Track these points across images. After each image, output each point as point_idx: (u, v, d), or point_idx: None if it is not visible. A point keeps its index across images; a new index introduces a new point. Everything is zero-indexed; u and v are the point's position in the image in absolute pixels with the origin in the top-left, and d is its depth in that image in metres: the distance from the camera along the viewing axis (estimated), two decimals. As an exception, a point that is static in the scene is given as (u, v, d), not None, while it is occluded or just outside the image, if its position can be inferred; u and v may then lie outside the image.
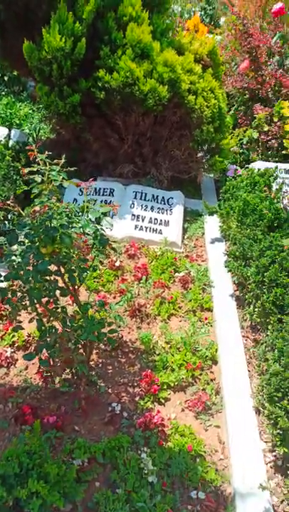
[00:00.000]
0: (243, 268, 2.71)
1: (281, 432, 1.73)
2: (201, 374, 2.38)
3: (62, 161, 1.93)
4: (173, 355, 2.44)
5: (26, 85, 5.55)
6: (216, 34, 6.09)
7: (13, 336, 2.47)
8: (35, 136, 4.33)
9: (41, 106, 4.87)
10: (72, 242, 1.59)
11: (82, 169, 4.12)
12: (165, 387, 2.28)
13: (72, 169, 1.97)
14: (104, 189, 3.80)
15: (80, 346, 1.91)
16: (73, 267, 1.63)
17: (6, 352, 2.37)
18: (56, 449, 1.89)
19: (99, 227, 1.84)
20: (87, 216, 1.82)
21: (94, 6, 2.97)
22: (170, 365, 2.38)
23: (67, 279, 1.78)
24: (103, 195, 3.78)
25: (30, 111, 5.15)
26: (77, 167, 4.06)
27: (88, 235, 1.80)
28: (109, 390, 2.26)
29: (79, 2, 2.96)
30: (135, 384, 2.29)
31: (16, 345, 2.45)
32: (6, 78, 5.61)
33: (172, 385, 2.29)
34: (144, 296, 2.92)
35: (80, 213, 1.93)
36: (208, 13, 9.07)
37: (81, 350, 2.00)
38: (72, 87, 3.20)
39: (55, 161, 1.93)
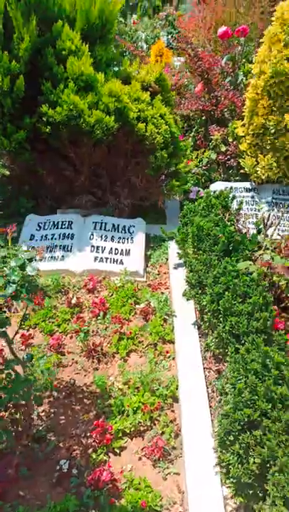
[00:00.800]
0: (200, 296, 2.60)
1: (234, 481, 1.58)
2: (160, 415, 2.23)
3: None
4: (131, 397, 2.29)
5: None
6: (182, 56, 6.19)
7: None
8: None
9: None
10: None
11: (40, 203, 4.04)
12: (120, 434, 2.13)
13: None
14: (62, 222, 3.70)
15: (10, 406, 1.76)
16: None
17: None
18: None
19: (23, 273, 1.72)
20: (11, 265, 1.70)
21: (29, 44, 2.95)
22: (127, 409, 2.23)
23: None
24: (62, 228, 3.68)
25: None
26: (36, 201, 4.05)
27: (13, 284, 1.67)
28: (61, 444, 2.09)
29: (14, 40, 2.94)
30: (88, 434, 2.13)
31: None
32: None
33: (128, 431, 2.13)
34: (102, 333, 2.79)
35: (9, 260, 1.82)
36: (175, 36, 9.31)
37: (12, 411, 1.84)
38: (16, 124, 3.15)
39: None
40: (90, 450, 2.06)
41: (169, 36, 9.53)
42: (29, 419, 2.06)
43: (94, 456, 2.02)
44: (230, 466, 1.58)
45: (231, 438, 1.63)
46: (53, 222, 3.70)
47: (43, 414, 2.23)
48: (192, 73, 4.97)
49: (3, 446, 1.94)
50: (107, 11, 3.32)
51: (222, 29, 3.88)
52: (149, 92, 3.57)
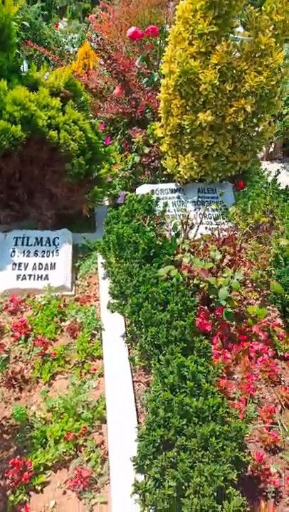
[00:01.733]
0: (123, 307, 2.50)
1: (152, 509, 1.48)
2: (86, 440, 2.10)
3: None
4: (54, 426, 2.14)
5: None
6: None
7: None
8: None
9: None
10: None
11: None
12: (42, 469, 1.97)
13: None
14: (-19, 240, 3.46)
15: None
16: None
17: None
18: None
19: None
20: None
21: None
22: (48, 440, 2.07)
23: None
24: (-19, 247, 3.43)
25: None
26: None
27: None
28: (-24, 490, 1.90)
29: None
30: (6, 474, 1.95)
31: None
32: None
33: (50, 464, 1.99)
34: (24, 358, 2.60)
35: None
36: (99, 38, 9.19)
37: None
38: None
39: None
40: (9, 491, 1.88)
41: (98, 38, 9.43)
42: None
43: (12, 498, 1.85)
44: (146, 493, 1.48)
45: (147, 462, 1.53)
46: (-29, 241, 3.45)
47: None
48: (110, 76, 4.88)
49: None
50: (2, 15, 3.12)
51: (131, 30, 3.82)
52: (59, 98, 3.42)
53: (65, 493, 1.91)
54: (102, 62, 5.81)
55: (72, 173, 3.43)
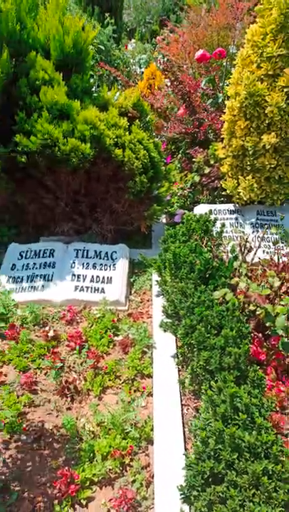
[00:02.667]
0: (176, 328, 2.49)
1: None
2: (132, 460, 2.10)
3: None
4: (102, 441, 2.16)
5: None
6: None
7: None
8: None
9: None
10: None
11: (23, 231, 4.00)
12: (88, 483, 1.99)
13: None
14: (44, 250, 3.63)
15: None
16: None
17: None
18: None
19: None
20: None
21: (1, 75, 2.94)
22: (96, 455, 2.10)
23: None
24: (43, 256, 3.61)
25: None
26: (18, 229, 4.00)
27: None
28: (25, 494, 1.96)
29: (-14, 72, 2.95)
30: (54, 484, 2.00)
31: None
32: None
33: (97, 480, 2.00)
34: (78, 368, 2.67)
35: None
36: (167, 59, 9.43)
37: None
38: (-10, 154, 3.12)
39: None
40: (56, 501, 1.92)
41: (165, 59, 9.68)
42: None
43: (58, 508, 1.89)
44: (193, 526, 1.45)
45: (195, 493, 1.50)
46: (35, 251, 3.63)
47: (10, 460, 2.11)
48: (175, 96, 4.98)
49: None
50: (81, 40, 3.32)
51: (199, 53, 3.88)
52: (126, 118, 3.54)
53: (108, 511, 1.91)
54: (168, 83, 5.95)
55: (134, 190, 3.52)
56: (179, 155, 4.78)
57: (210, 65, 4.34)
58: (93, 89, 3.78)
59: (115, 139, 3.38)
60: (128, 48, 11.90)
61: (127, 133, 3.47)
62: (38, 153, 3.15)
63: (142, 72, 8.57)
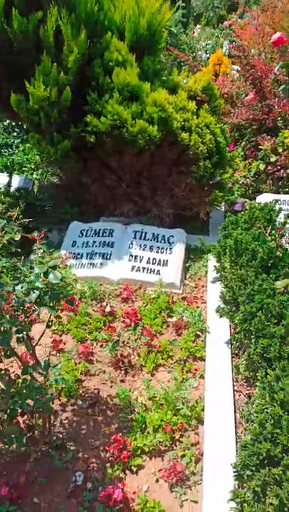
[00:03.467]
0: (234, 314, 2.48)
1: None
2: (182, 436, 2.14)
3: (15, 213, 1.88)
4: (153, 414, 2.23)
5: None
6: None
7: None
8: (41, 180, 4.43)
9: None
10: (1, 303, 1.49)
11: (84, 210, 4.13)
12: (139, 452, 2.07)
13: (26, 220, 1.91)
14: (104, 230, 3.74)
15: (27, 413, 1.77)
16: (5, 328, 1.52)
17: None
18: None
19: (54, 280, 1.72)
20: (35, 272, 1.73)
21: (77, 56, 3.02)
22: (148, 426, 2.17)
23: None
24: (103, 235, 3.71)
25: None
26: (80, 208, 4.14)
27: (36, 290, 1.70)
28: (80, 455, 2.08)
29: (64, 52, 3.04)
30: (107, 448, 2.10)
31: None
32: (25, 126, 5.89)
33: (147, 450, 2.07)
34: (132, 344, 2.75)
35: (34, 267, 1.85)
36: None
37: (29, 416, 1.86)
38: (62, 133, 3.24)
39: (9, 213, 1.88)
40: (108, 464, 2.02)
41: (231, 45, 9.41)
42: (50, 426, 2.07)
43: (110, 471, 1.98)
44: (244, 504, 1.46)
45: (248, 473, 1.51)
46: (95, 229, 3.75)
47: (66, 422, 2.24)
48: (245, 81, 4.84)
49: (19, 451, 1.97)
50: (156, 22, 3.32)
51: (275, 35, 3.73)
52: (195, 102, 3.51)
53: (157, 481, 1.98)
54: (237, 68, 5.79)
55: (196, 175, 3.50)
56: (243, 142, 4.66)
57: (285, 50, 4.16)
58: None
59: (182, 123, 3.37)
60: (194, 34, 11.66)
61: (195, 117, 3.44)
62: (106, 133, 3.22)
63: (208, 58, 8.40)
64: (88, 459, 2.05)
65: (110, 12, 3.34)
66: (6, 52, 3.01)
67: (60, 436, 2.13)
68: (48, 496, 1.90)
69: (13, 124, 5.89)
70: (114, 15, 3.37)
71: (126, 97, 3.24)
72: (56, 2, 2.95)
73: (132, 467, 2.01)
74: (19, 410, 1.67)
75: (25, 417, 1.85)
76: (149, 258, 3.50)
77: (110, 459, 2.04)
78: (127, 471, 2.01)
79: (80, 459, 2.05)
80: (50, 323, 1.83)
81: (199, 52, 10.17)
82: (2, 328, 1.48)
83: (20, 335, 1.59)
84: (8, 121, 5.91)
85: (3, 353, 1.62)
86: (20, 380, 1.68)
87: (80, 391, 2.40)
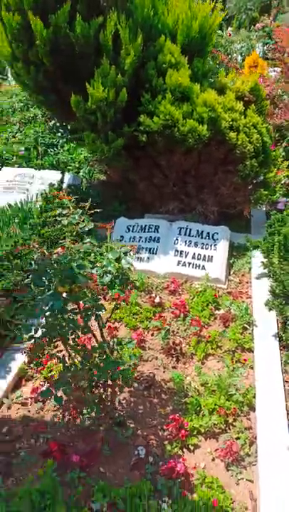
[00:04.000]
0: (284, 307, 2.56)
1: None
2: (235, 420, 2.24)
3: (88, 204, 2.04)
4: (207, 399, 2.34)
5: (87, 132, 5.99)
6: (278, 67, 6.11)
7: (50, 371, 2.56)
8: (88, 178, 4.62)
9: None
10: (87, 281, 1.64)
11: (131, 207, 4.28)
12: (195, 432, 2.18)
13: (97, 210, 2.07)
14: (149, 226, 3.88)
15: (100, 385, 1.92)
16: (88, 305, 1.67)
17: (42, 386, 2.46)
18: (78, 489, 1.88)
19: (117, 266, 1.87)
20: (108, 257, 1.88)
21: (134, 58, 3.18)
22: (202, 409, 2.28)
23: (84, 317, 1.83)
24: (148, 231, 3.85)
25: (90, 155, 5.51)
26: (127, 205, 4.30)
27: (109, 274, 1.84)
28: (139, 432, 2.21)
29: (121, 55, 3.20)
30: (164, 427, 2.22)
31: (53, 379, 2.52)
32: (69, 126, 6.12)
33: (203, 431, 2.18)
34: (181, 333, 2.87)
35: (106, 253, 2.00)
36: (272, 47, 9.17)
37: (101, 390, 2.01)
38: (116, 132, 3.40)
39: (81, 204, 2.04)
40: (166, 442, 2.15)
41: (265, 47, 9.41)
42: (112, 404, 2.21)
43: (168, 448, 2.11)
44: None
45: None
46: (141, 225, 3.89)
47: (124, 401, 2.38)
48: (287, 83, 4.88)
49: (89, 422, 2.13)
50: (207, 25, 3.44)
51: None
52: (242, 102, 3.60)
53: (213, 459, 2.08)
54: (278, 70, 5.82)
55: (242, 174, 3.59)
56: (284, 143, 4.71)
57: None
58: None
59: (231, 122, 3.47)
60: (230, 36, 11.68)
61: (242, 117, 3.54)
62: (158, 133, 3.36)
63: (242, 60, 8.43)
64: (147, 436, 2.18)
65: (163, 16, 3.48)
66: (68, 56, 3.20)
67: (121, 414, 2.27)
68: (112, 466, 2.04)
69: (58, 124, 6.13)
70: (168, 18, 3.50)
71: (177, 97, 3.37)
72: (115, 7, 3.11)
73: (189, 446, 2.13)
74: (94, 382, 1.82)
75: (97, 390, 2.00)
76: (194, 253, 3.61)
77: (168, 437, 2.16)
78: (184, 450, 2.13)
79: (139, 435, 2.18)
80: (118, 306, 1.97)
81: (234, 55, 10.21)
82: (86, 306, 1.63)
83: (99, 312, 1.74)
84: (52, 122, 6.16)
85: (80, 330, 1.77)
86: (96, 354, 1.83)
87: (136, 374, 2.53)
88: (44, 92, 3.46)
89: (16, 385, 2.52)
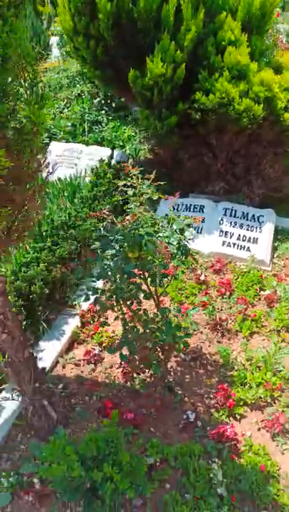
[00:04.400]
0: None
1: None
2: (281, 396, 2.30)
3: (153, 176, 2.10)
4: (252, 373, 2.41)
5: (131, 110, 6.00)
6: None
7: (101, 336, 2.68)
8: (135, 155, 4.66)
9: (142, 128, 5.25)
10: (156, 248, 1.71)
11: (175, 186, 4.30)
12: (241, 403, 2.26)
13: (162, 183, 2.12)
14: (194, 205, 3.91)
15: (158, 348, 2.02)
16: (155, 272, 1.75)
17: (94, 350, 2.59)
18: (131, 444, 2.00)
19: (181, 237, 1.94)
20: (172, 227, 1.94)
21: (195, 34, 3.16)
22: (248, 383, 2.35)
23: (149, 283, 1.92)
24: (193, 211, 3.89)
25: (133, 133, 5.54)
26: (171, 184, 4.33)
27: (171, 244, 1.91)
28: (186, 399, 2.31)
29: (181, 31, 3.18)
30: (211, 396, 2.31)
31: (104, 344, 2.65)
32: (113, 104, 6.16)
33: (249, 402, 2.26)
34: (226, 311, 2.93)
35: (167, 224, 2.07)
36: None
37: (159, 353, 2.10)
38: (170, 109, 3.42)
39: (147, 175, 2.10)
40: (213, 410, 2.24)
41: None
42: (165, 368, 2.31)
43: (216, 415, 2.20)
44: None
45: None
46: (186, 205, 3.92)
47: (171, 370, 2.48)
48: None
49: (139, 385, 2.24)
50: (268, 2, 3.36)
51: None
52: (300, 83, 3.52)
53: (259, 429, 2.16)
54: None
55: (294, 156, 3.54)
56: None
57: None
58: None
59: (286, 103, 3.41)
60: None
61: (300, 98, 3.47)
62: (212, 111, 3.35)
63: (288, 42, 8.15)
64: (195, 403, 2.28)
65: (224, -9, 3.42)
66: (127, 30, 3.21)
67: (169, 380, 2.38)
68: (161, 427, 2.15)
69: (103, 102, 6.17)
70: (228, -6, 3.44)
71: (234, 75, 3.34)
72: (178, -18, 3.09)
73: (236, 415, 2.21)
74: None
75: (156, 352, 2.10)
76: (239, 235, 3.63)
77: (215, 405, 2.25)
78: (231, 418, 2.22)
79: (187, 402, 2.28)
80: (177, 276, 2.04)
81: (280, 36, 9.86)
82: (154, 270, 1.71)
83: (165, 279, 1.82)
84: (98, 99, 6.21)
85: (143, 295, 1.86)
86: (158, 319, 1.92)
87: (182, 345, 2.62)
88: (101, 66, 3.51)
89: (69, 347, 2.66)
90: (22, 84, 1.28)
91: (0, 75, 1.19)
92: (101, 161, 3.98)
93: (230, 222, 3.73)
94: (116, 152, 4.36)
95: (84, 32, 3.32)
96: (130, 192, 2.07)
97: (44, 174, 1.57)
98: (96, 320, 2.83)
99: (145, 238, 1.75)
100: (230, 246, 3.56)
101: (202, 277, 3.20)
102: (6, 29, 1.16)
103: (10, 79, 1.27)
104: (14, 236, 1.58)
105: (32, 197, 1.53)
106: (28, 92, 1.29)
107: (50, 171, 1.53)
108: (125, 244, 1.74)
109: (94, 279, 1.98)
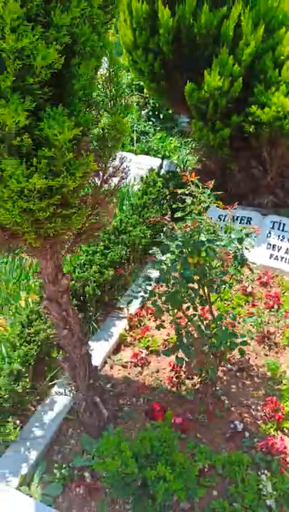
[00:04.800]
0: None
1: None
2: None
3: (212, 185, 2.14)
4: (302, 389, 2.37)
5: (177, 122, 6.11)
6: None
7: (148, 341, 2.73)
8: (182, 166, 4.74)
9: (189, 139, 5.32)
10: (216, 255, 1.75)
11: (222, 197, 4.33)
12: (290, 418, 2.23)
13: (219, 193, 2.17)
14: (242, 217, 3.92)
15: (211, 355, 2.04)
16: (214, 279, 1.79)
17: (142, 353, 2.64)
18: (189, 444, 2.02)
19: (240, 246, 1.97)
20: (230, 236, 1.97)
21: (253, 49, 3.21)
22: (298, 397, 2.32)
23: (206, 289, 1.95)
24: (240, 222, 3.89)
25: (179, 144, 5.64)
26: (218, 195, 4.36)
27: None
28: (232, 408, 2.31)
29: (240, 45, 3.24)
30: (258, 408, 2.30)
31: (150, 348, 2.69)
32: (161, 116, 6.29)
33: (298, 417, 2.22)
34: (274, 324, 2.90)
35: (224, 233, 2.10)
36: None
37: (212, 357, 2.12)
38: (224, 122, 3.46)
39: (206, 184, 2.15)
40: (260, 422, 2.22)
41: None
42: (216, 376, 2.32)
43: (263, 427, 2.18)
44: None
45: None
46: (233, 216, 3.93)
47: (218, 379, 2.49)
48: None
49: (186, 391, 2.26)
50: None
51: None
52: None
53: (309, 446, 2.12)
54: None
55: None
56: None
57: None
58: None
59: None
60: None
61: None
62: (266, 124, 3.36)
63: None
64: (242, 414, 2.27)
65: (283, 5, 3.44)
66: (186, 45, 3.31)
67: (216, 389, 2.38)
68: (208, 435, 2.16)
69: (150, 113, 6.32)
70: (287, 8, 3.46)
71: (291, 90, 3.34)
72: (240, -2, 3.16)
73: (284, 429, 2.18)
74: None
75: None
76: (287, 248, 3.59)
77: (263, 417, 2.23)
78: (279, 431, 2.19)
79: (234, 412, 2.28)
80: (231, 285, 2.06)
81: None
82: (212, 276, 1.75)
83: (223, 286, 1.85)
84: (146, 110, 6.37)
85: (199, 301, 1.89)
86: (214, 325, 1.95)
87: (229, 356, 2.62)
88: (157, 79, 3.62)
89: (117, 349, 2.72)
90: (108, 94, 1.37)
91: (90, 86, 1.29)
92: (151, 170, 4.07)
93: (278, 236, 3.70)
94: (165, 162, 4.45)
95: (143, 46, 3.45)
96: (188, 200, 2.13)
97: (116, 180, 1.65)
98: (143, 324, 2.89)
99: (206, 245, 1.79)
100: (277, 259, 3.53)
101: (249, 289, 3.19)
102: (100, 44, 1.26)
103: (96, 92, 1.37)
104: (84, 237, 1.67)
105: (104, 200, 1.62)
106: (112, 102, 1.38)
107: (124, 177, 1.61)
108: (185, 250, 1.79)
109: (150, 282, 2.04)
